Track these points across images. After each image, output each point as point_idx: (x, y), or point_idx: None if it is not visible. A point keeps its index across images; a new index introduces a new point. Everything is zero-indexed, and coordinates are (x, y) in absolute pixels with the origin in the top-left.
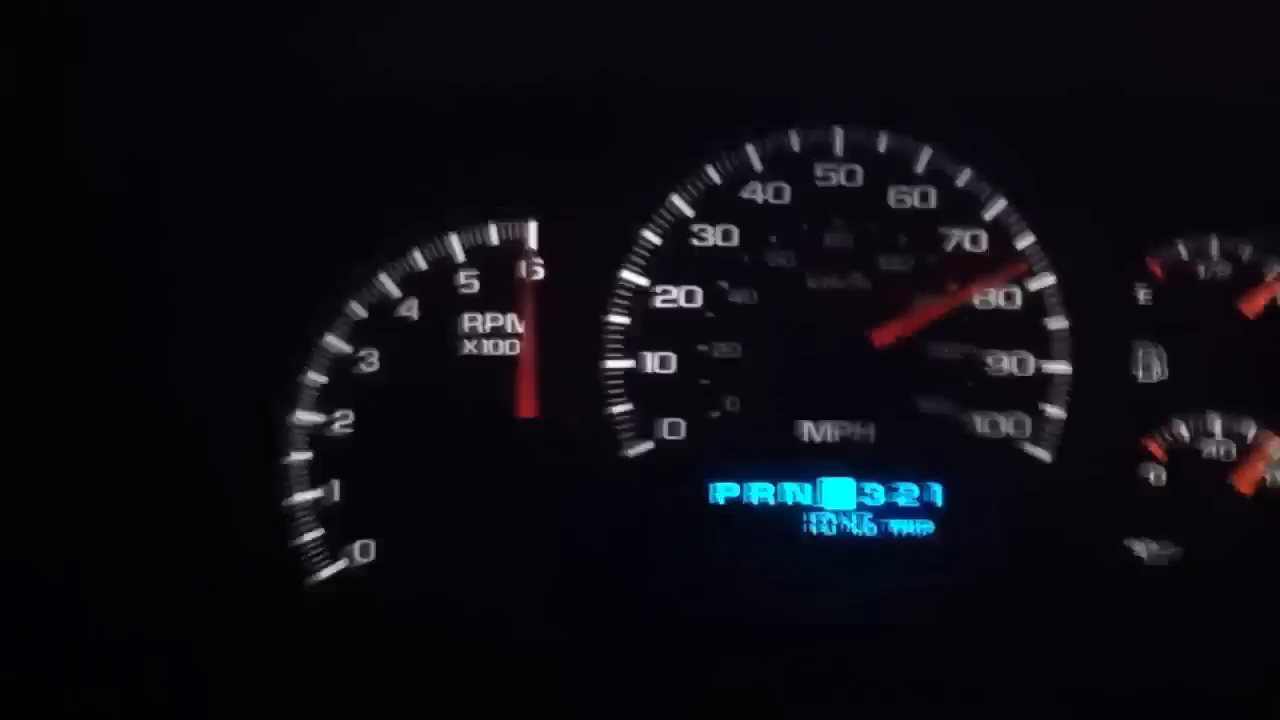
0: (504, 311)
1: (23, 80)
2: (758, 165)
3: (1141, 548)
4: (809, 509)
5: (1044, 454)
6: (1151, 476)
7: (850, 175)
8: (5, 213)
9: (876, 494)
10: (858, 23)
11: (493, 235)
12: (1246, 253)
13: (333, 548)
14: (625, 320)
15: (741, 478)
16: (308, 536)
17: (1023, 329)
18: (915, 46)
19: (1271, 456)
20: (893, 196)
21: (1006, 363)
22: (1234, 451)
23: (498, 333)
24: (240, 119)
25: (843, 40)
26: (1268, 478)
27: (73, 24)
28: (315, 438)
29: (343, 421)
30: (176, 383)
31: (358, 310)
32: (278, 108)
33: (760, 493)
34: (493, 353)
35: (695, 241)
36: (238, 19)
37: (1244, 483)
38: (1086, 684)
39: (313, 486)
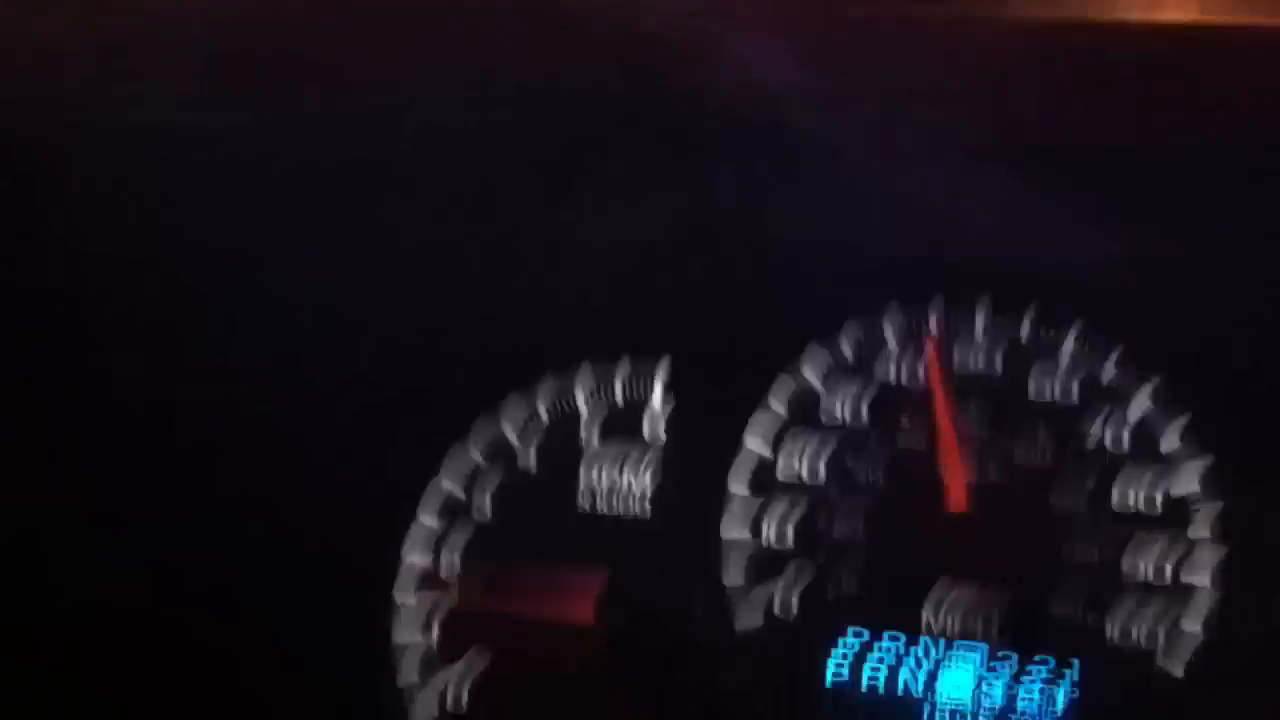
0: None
1: None
2: (893, 342)
3: None
4: (923, 701)
5: (1177, 670)
6: None
7: (989, 362)
8: None
9: (994, 691)
10: None
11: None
12: None
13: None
14: (744, 491)
15: (855, 660)
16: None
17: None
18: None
19: None
20: (1032, 387)
21: (1143, 570)
22: None
23: (615, 491)
24: None
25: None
26: None
27: None
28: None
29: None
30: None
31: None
32: None
33: (873, 677)
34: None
35: (824, 417)
36: None
37: None
38: None
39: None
